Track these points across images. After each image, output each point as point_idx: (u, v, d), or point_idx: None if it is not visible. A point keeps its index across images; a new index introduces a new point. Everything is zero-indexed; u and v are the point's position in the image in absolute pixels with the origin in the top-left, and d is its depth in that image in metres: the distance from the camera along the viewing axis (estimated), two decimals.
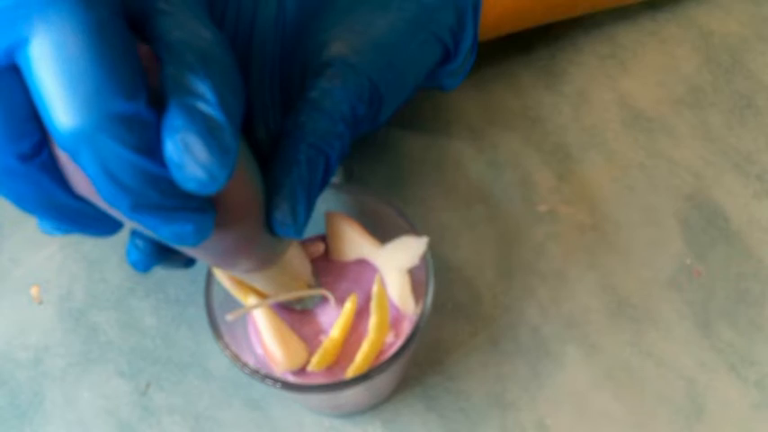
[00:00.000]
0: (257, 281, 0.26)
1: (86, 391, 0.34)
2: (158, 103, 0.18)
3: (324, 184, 0.26)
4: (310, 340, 0.29)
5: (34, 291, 0.37)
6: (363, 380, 0.26)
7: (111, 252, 0.38)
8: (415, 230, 0.29)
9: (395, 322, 0.29)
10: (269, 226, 0.24)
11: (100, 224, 0.20)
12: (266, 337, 0.28)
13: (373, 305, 0.27)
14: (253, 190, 0.22)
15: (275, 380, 0.26)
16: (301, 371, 0.28)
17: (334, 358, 0.28)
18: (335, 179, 0.39)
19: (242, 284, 0.27)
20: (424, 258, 0.28)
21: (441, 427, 0.33)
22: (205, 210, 0.19)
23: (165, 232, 0.19)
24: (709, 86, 0.41)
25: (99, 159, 0.17)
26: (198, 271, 0.36)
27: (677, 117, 0.40)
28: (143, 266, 0.24)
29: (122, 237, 0.37)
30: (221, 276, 0.27)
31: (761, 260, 0.36)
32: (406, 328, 0.28)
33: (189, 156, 0.17)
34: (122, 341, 0.35)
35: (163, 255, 0.24)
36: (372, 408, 0.33)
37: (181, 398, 0.34)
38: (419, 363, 0.34)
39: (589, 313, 0.35)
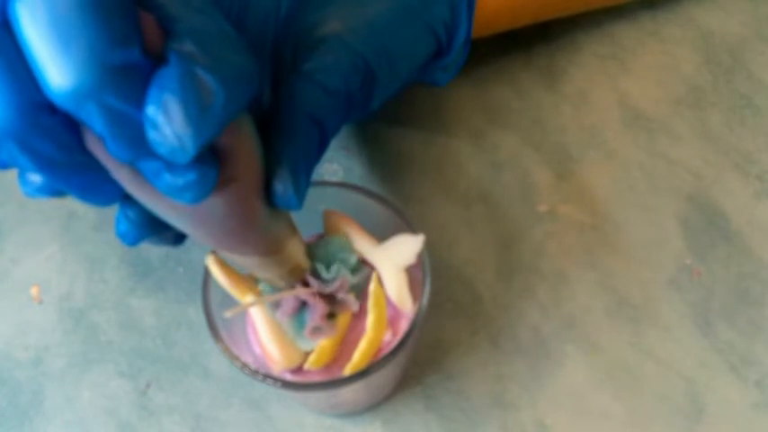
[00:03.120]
0: (258, 268, 0.26)
1: (86, 391, 0.34)
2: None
3: (319, 155, 0.25)
4: None
5: (34, 291, 0.37)
6: (362, 377, 0.26)
7: (111, 252, 0.38)
8: (412, 229, 0.29)
9: (392, 321, 0.29)
10: (269, 197, 0.23)
11: (100, 185, 0.19)
12: (263, 336, 0.28)
13: (370, 303, 0.27)
14: (257, 161, 0.22)
15: (275, 379, 0.26)
16: (299, 370, 0.28)
17: (331, 357, 0.28)
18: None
19: (240, 283, 0.27)
20: (420, 256, 0.28)
21: (441, 427, 0.32)
22: (208, 162, 0.19)
23: (166, 180, 0.18)
24: (709, 86, 0.41)
25: (100, 114, 0.16)
26: (197, 271, 0.36)
27: (677, 117, 0.40)
28: (132, 239, 0.23)
29: None
30: (218, 275, 0.27)
31: (761, 260, 0.36)
32: (404, 327, 0.28)
33: (166, 117, 0.17)
34: (122, 341, 0.35)
35: (153, 228, 0.23)
36: (372, 407, 0.33)
37: (181, 398, 0.34)
38: (419, 362, 0.34)
39: (589, 313, 0.35)
